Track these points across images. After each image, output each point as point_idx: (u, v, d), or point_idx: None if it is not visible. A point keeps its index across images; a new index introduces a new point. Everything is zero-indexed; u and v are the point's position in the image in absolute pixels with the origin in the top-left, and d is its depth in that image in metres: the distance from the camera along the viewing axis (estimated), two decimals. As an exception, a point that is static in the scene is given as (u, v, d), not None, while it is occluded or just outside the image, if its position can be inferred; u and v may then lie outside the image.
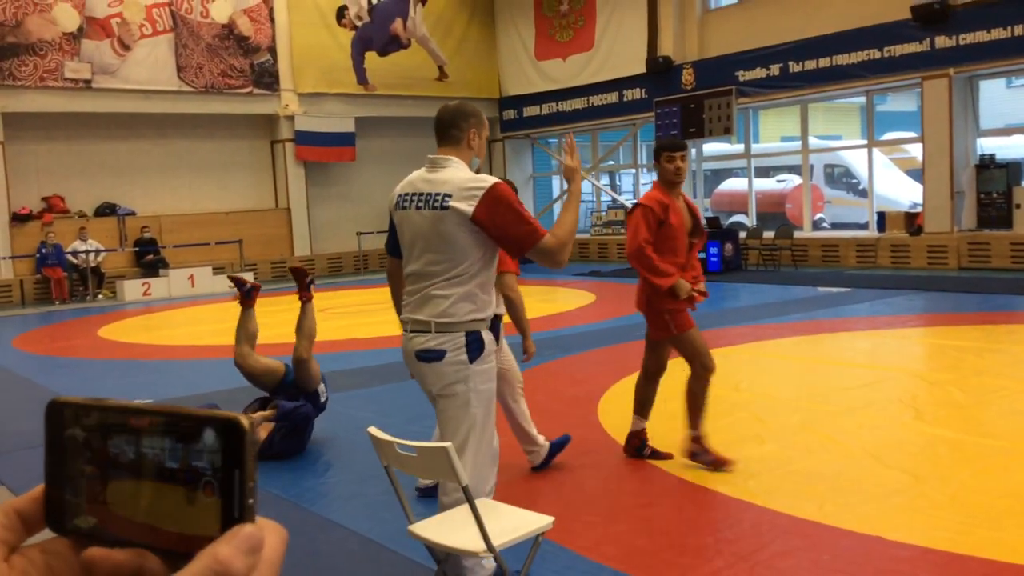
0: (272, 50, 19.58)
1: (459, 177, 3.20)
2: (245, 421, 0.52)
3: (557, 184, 24.07)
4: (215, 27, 18.90)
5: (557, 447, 4.97)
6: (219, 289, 17.06)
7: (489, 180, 3.18)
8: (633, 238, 4.68)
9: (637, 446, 5.01)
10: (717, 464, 4.76)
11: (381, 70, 20.79)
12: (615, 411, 6.11)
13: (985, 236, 14.08)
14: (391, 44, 20.95)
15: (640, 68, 18.84)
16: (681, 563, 3.69)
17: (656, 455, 4.99)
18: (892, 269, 15.06)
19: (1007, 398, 6.04)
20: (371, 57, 20.73)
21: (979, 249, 14.08)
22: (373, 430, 3.10)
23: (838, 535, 3.87)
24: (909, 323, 9.75)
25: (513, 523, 3.08)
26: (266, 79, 19.56)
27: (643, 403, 5.03)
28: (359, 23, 20.56)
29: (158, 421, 0.54)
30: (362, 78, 20.60)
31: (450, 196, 3.14)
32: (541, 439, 4.89)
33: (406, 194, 3.31)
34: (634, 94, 19.28)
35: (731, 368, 7.75)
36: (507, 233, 3.13)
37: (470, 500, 2.82)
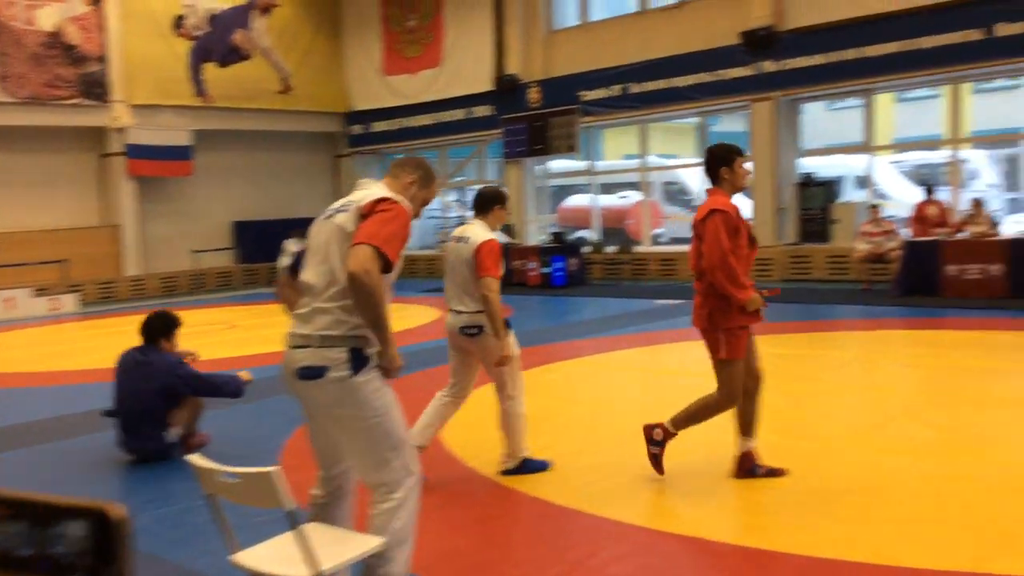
0: (103, 59, 18.66)
1: (368, 193, 3.14)
2: (117, 513, 0.45)
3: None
4: (41, 35, 17.86)
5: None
6: (39, 312, 16.10)
7: (394, 197, 3.12)
8: (716, 246, 4.41)
9: (749, 467, 4.79)
10: (658, 461, 4.83)
11: (221, 82, 20.18)
12: (459, 428, 6.14)
13: (806, 249, 15.03)
14: (232, 55, 20.38)
15: (487, 85, 19.10)
16: (516, 575, 3.74)
17: (772, 473, 4.78)
18: (726, 281, 15.80)
19: (822, 402, 6.46)
20: (211, 68, 20.09)
21: (800, 261, 15.02)
22: (193, 458, 3.00)
23: (666, 539, 4.03)
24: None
25: (343, 546, 3.04)
26: (96, 90, 18.61)
27: (746, 423, 4.82)
28: (198, 33, 19.89)
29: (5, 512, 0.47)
30: (200, 90, 19.93)
31: (345, 209, 3.11)
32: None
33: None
34: (482, 111, 19.51)
35: (571, 380, 7.95)
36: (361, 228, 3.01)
37: (294, 524, 2.77)
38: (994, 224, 12.51)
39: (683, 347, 9.34)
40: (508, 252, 15.65)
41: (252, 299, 16.98)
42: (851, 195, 18.35)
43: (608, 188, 21.39)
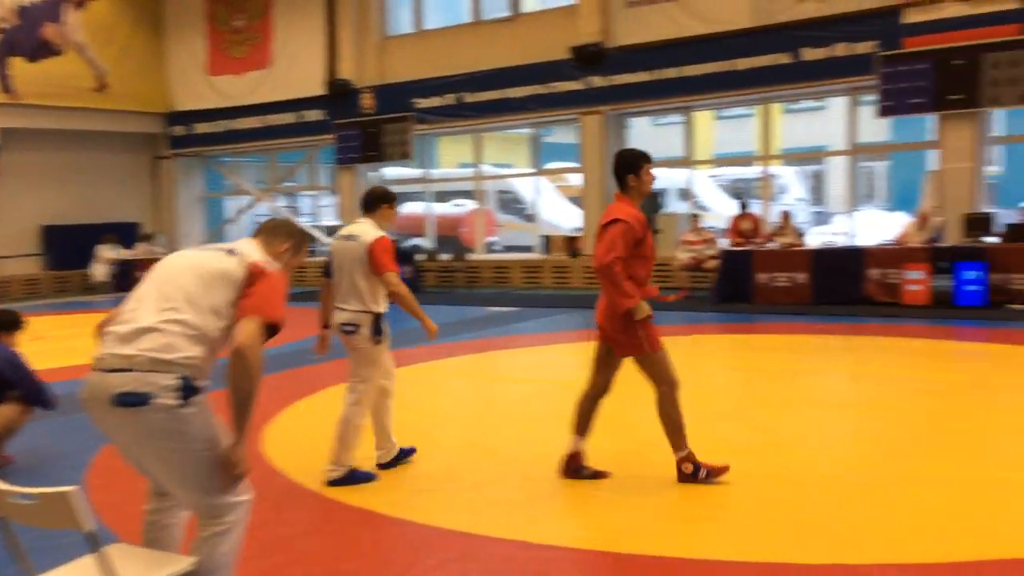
0: None
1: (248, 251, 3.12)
2: None
3: (230, 205, 23.14)
4: None
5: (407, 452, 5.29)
6: None
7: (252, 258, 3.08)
8: (606, 252, 4.51)
9: (576, 467, 4.86)
10: (715, 473, 4.71)
11: (31, 77, 18.78)
12: (280, 439, 5.96)
13: (634, 258, 15.55)
14: (42, 50, 19.02)
15: (319, 90, 18.72)
16: (338, 589, 3.65)
17: (597, 475, 4.85)
18: (555, 289, 16.18)
19: (645, 403, 6.67)
20: (19, 63, 18.68)
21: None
22: (-22, 479, 2.74)
23: (489, 543, 4.04)
24: (567, 339, 10.52)
25: (147, 567, 2.86)
26: None
27: (584, 421, 4.88)
28: (5, 25, 18.47)
29: None
30: (6, 85, 18.49)
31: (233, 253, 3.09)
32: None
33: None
34: (313, 115, 19.09)
35: (401, 387, 7.86)
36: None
37: (95, 547, 2.58)
38: (800, 235, 13.39)
39: (515, 353, 9.47)
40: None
41: (62, 308, 15.89)
42: (674, 207, 19.21)
43: (443, 196, 21.44)
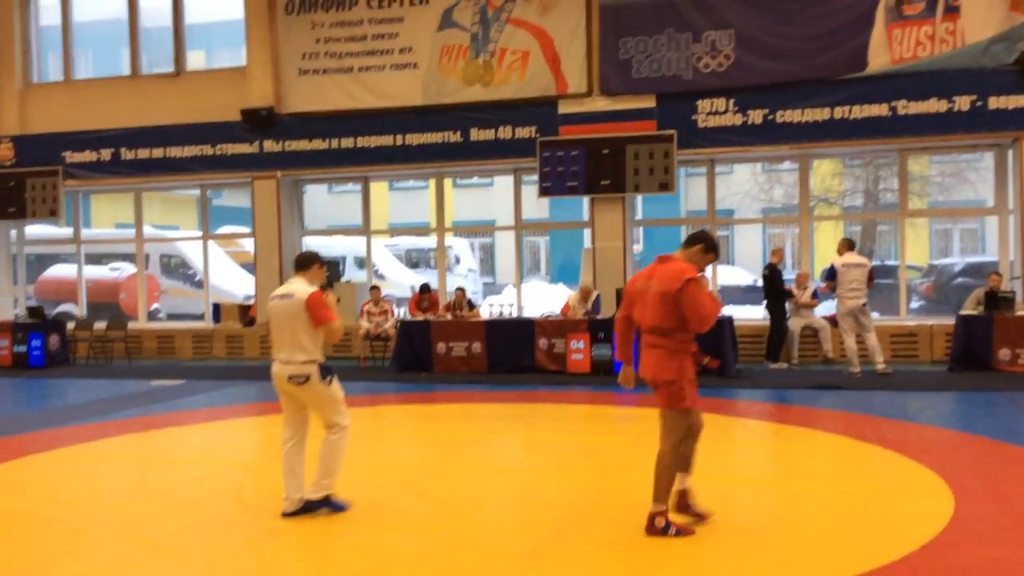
0: None
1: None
2: None
3: None
4: None
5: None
6: None
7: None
8: (711, 303, 4.87)
9: (684, 505, 5.15)
10: (685, 532, 4.93)
11: None
12: None
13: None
14: None
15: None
16: None
17: (699, 518, 5.14)
18: (228, 359, 15.36)
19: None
20: None
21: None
22: None
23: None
24: (240, 413, 9.96)
25: None
26: None
27: (685, 462, 5.14)
28: None
29: None
30: None
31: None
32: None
33: None
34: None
35: (48, 476, 6.95)
36: None
37: None
38: (473, 306, 13.91)
39: (180, 432, 8.76)
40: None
41: None
42: (353, 275, 19.20)
43: (97, 259, 19.69)
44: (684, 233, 28.34)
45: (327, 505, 5.49)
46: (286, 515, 5.42)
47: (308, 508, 5.44)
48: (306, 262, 5.68)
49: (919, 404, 9.34)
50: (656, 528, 4.90)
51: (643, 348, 5.08)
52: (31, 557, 4.85)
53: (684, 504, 5.15)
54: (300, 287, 5.51)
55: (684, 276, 4.85)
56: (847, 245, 11.75)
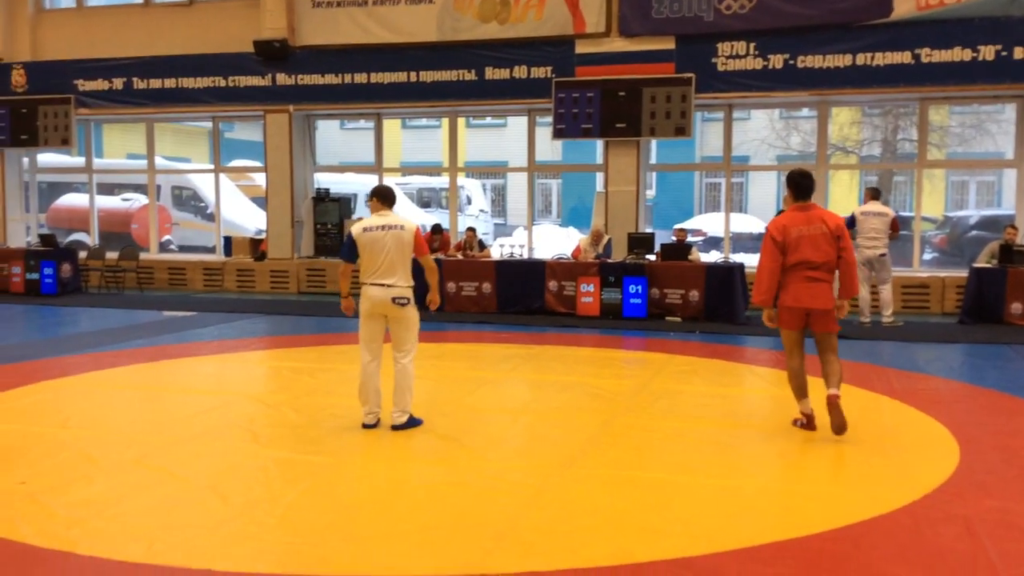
0: None
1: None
2: None
3: None
4: None
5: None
6: None
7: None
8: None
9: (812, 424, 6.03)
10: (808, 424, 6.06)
11: None
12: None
13: (321, 263, 15.28)
14: None
15: (-42, 61, 16.35)
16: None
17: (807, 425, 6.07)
18: (238, 293, 15.42)
19: (336, 415, 6.51)
20: None
21: (316, 275, 15.22)
22: None
23: (166, 573, 3.67)
24: (251, 346, 10.03)
25: None
26: None
27: (804, 386, 6.04)
28: None
29: None
30: None
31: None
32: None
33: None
34: (-50, 90, 16.63)
35: (60, 401, 7.04)
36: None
37: None
38: (484, 247, 13.88)
39: (191, 363, 8.83)
40: None
41: None
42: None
43: (109, 188, 19.68)
44: (698, 178, 28.10)
45: (414, 422, 6.09)
46: (366, 427, 6.03)
47: (404, 426, 6.01)
48: (393, 197, 6.25)
49: (928, 355, 9.34)
50: (836, 402, 5.77)
51: (804, 283, 5.78)
52: (45, 480, 4.93)
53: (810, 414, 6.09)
54: (403, 220, 6.08)
55: (839, 219, 5.89)
56: (872, 194, 11.64)
